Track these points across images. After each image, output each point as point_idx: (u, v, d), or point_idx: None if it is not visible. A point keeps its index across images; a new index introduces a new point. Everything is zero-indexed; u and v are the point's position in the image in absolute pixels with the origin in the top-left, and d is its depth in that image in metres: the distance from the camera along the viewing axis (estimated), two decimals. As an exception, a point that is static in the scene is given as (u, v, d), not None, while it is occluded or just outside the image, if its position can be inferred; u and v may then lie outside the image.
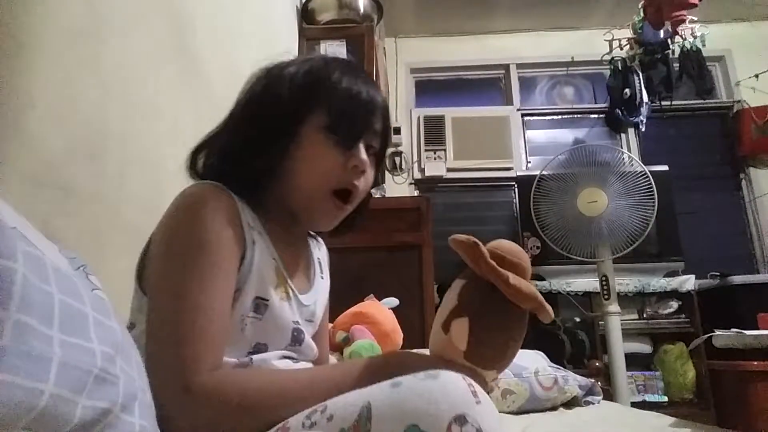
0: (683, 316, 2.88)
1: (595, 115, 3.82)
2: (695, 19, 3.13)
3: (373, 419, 0.43)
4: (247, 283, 0.63)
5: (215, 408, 0.52)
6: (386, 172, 3.58)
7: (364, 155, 0.69)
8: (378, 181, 0.78)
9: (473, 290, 0.63)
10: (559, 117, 3.89)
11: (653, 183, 2.46)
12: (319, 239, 0.86)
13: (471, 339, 0.60)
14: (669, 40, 3.19)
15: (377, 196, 2.38)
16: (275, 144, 0.67)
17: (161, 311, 0.57)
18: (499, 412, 0.53)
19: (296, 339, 0.70)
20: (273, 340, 0.67)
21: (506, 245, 0.64)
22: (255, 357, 0.64)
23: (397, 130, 3.62)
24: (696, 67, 3.29)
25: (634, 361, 2.80)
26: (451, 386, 0.44)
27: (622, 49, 3.33)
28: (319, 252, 0.84)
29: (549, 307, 0.61)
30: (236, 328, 0.63)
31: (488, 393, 0.51)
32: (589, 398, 1.53)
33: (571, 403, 1.50)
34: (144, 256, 0.67)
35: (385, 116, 0.74)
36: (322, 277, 0.82)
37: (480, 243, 0.61)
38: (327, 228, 0.75)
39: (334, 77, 0.69)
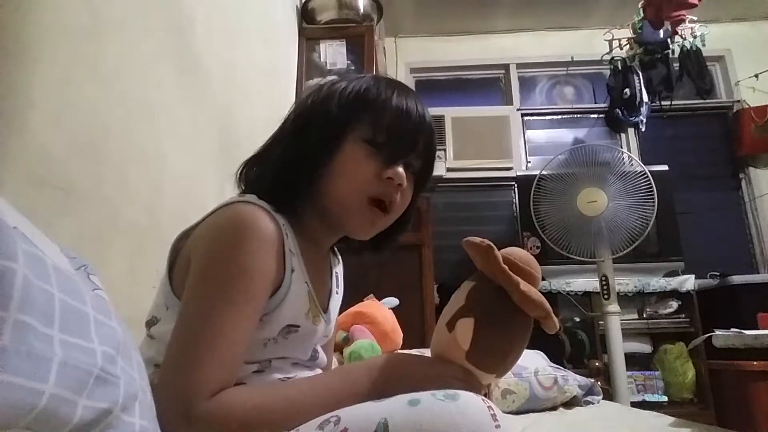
0: (683, 315, 2.88)
1: (595, 115, 3.82)
2: (695, 18, 3.13)
3: None
4: (280, 311, 0.63)
5: None
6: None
7: (401, 169, 0.68)
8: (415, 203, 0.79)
9: (482, 292, 0.63)
10: (559, 117, 3.89)
11: (653, 183, 2.46)
12: (338, 253, 0.86)
13: (474, 340, 0.60)
14: (669, 40, 3.19)
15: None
16: (320, 154, 0.68)
17: (185, 331, 0.57)
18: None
19: (313, 357, 0.72)
20: (293, 355, 0.68)
21: (519, 253, 0.65)
22: (274, 364, 0.65)
23: (397, 130, 3.61)
24: (696, 67, 3.29)
25: (633, 360, 2.80)
26: (471, 409, 0.45)
27: (622, 48, 3.33)
28: (337, 266, 0.84)
29: (555, 318, 0.61)
30: (258, 345, 0.63)
31: (484, 395, 0.51)
32: (589, 398, 1.54)
33: (570, 403, 1.50)
34: (176, 254, 0.66)
35: (430, 139, 0.73)
36: (338, 292, 0.82)
37: (494, 246, 0.61)
38: (364, 235, 0.73)
39: (383, 93, 0.69)
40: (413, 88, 4.01)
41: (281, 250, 0.63)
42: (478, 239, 0.62)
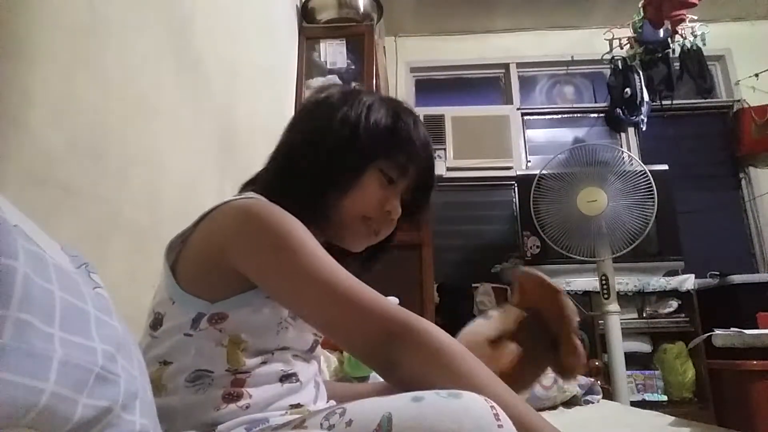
0: (683, 315, 2.88)
1: (595, 115, 3.82)
2: (695, 18, 3.13)
3: (393, 430, 0.44)
4: None
5: (435, 343, 0.56)
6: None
7: (398, 203, 0.74)
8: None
9: (531, 327, 0.69)
10: (559, 116, 3.88)
11: (653, 182, 2.46)
12: None
13: (514, 367, 0.65)
14: (669, 39, 3.19)
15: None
16: (343, 179, 0.71)
17: (317, 295, 0.59)
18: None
19: (312, 348, 0.73)
20: (295, 345, 0.69)
21: (568, 302, 0.71)
22: (276, 354, 0.66)
23: (397, 130, 3.62)
24: (696, 67, 3.29)
25: (633, 360, 2.80)
26: (474, 408, 0.46)
27: (622, 48, 3.33)
28: None
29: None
30: (273, 330, 0.65)
31: None
32: (589, 397, 1.54)
33: (570, 402, 1.50)
34: (176, 252, 0.68)
35: (433, 174, 0.79)
36: None
37: (563, 291, 0.69)
38: (354, 249, 0.78)
39: (412, 132, 0.74)
40: (413, 88, 4.04)
41: None
42: (546, 278, 0.70)
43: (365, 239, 0.76)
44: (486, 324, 0.70)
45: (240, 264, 0.62)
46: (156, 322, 0.66)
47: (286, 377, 0.66)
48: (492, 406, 0.46)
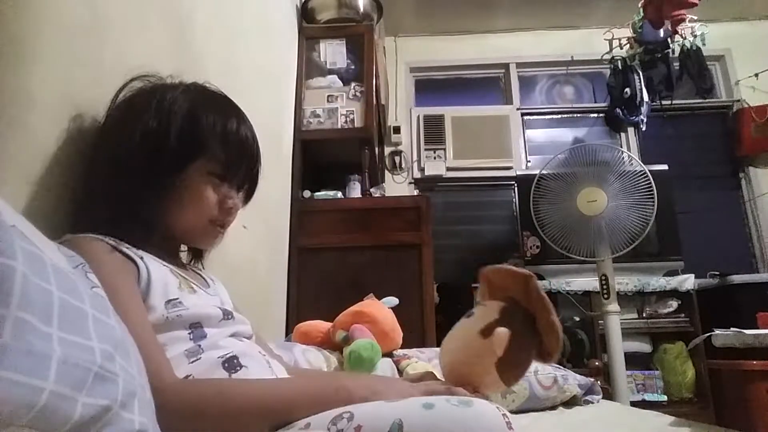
0: (683, 315, 2.88)
1: (595, 115, 3.83)
2: (695, 18, 3.13)
3: None
4: (152, 294, 0.64)
5: (192, 408, 0.53)
6: (386, 172, 3.58)
7: (236, 197, 0.77)
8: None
9: (514, 313, 0.71)
10: (559, 116, 3.89)
11: (653, 182, 2.46)
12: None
13: (507, 350, 0.67)
14: (669, 39, 3.19)
15: (377, 195, 2.38)
16: (166, 191, 0.71)
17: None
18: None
19: (226, 313, 0.72)
20: (204, 319, 0.68)
21: (539, 284, 0.73)
22: (203, 343, 0.64)
23: (397, 130, 3.63)
24: (696, 67, 3.29)
25: (633, 360, 2.80)
26: (485, 416, 0.45)
27: (621, 48, 3.33)
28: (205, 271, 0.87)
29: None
30: (167, 326, 0.63)
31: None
32: (589, 397, 1.54)
33: (570, 402, 1.50)
34: None
35: (258, 161, 0.81)
36: (216, 284, 0.84)
37: (533, 275, 0.71)
38: (209, 247, 0.82)
39: (220, 123, 0.74)
40: (413, 88, 4.05)
41: (116, 249, 0.64)
42: (515, 267, 0.72)
43: (215, 239, 0.78)
44: (471, 321, 0.72)
45: None
46: None
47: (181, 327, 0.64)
48: (504, 414, 0.46)
